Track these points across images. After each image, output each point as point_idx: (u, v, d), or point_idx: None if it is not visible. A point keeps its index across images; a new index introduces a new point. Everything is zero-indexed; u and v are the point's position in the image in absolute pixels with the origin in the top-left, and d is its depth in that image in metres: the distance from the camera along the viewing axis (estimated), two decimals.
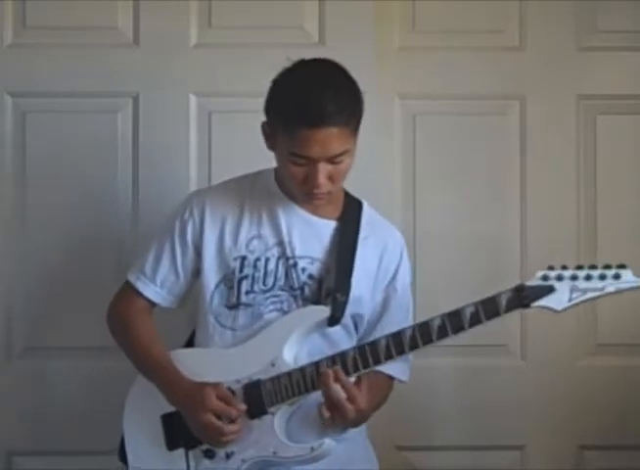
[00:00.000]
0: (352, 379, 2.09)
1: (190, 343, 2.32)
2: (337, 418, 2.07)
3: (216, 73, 2.82)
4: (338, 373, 2.07)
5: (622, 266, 2.00)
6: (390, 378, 2.26)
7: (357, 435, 2.25)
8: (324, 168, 2.11)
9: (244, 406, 2.12)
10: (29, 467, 2.83)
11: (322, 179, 2.11)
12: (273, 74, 2.70)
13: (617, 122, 2.87)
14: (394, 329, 2.13)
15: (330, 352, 2.14)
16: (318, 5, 2.83)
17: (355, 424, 2.13)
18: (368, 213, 2.30)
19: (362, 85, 2.76)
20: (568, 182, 2.86)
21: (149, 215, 2.77)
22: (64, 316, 2.80)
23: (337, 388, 2.06)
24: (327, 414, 2.07)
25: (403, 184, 2.85)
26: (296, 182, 2.15)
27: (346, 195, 2.31)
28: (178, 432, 2.18)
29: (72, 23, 2.81)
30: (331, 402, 2.06)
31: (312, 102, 2.07)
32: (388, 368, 2.21)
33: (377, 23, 2.83)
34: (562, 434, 2.85)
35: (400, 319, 2.22)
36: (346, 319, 2.20)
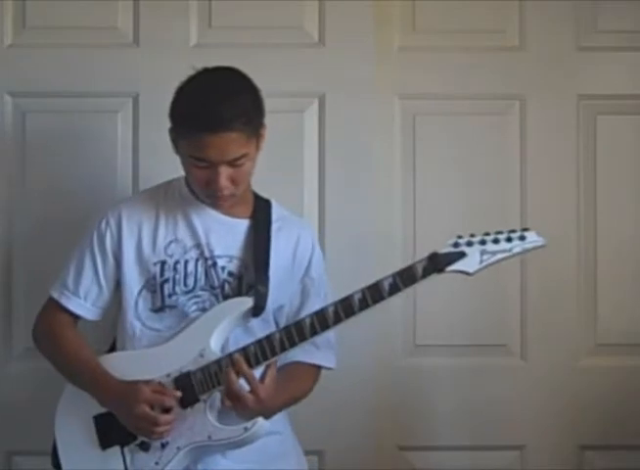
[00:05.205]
0: (259, 370, 2.15)
1: (112, 350, 2.36)
2: (238, 407, 2.12)
3: None
4: (239, 366, 2.13)
5: (526, 229, 2.14)
6: (316, 367, 2.32)
7: (286, 430, 2.33)
8: (225, 171, 2.18)
9: (179, 393, 2.17)
10: (29, 467, 2.82)
11: (223, 182, 2.18)
12: (273, 74, 2.71)
13: (616, 122, 2.87)
14: None
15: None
16: (318, 5, 2.83)
17: (261, 412, 2.14)
18: (277, 211, 2.36)
19: (362, 85, 2.81)
20: (568, 182, 2.86)
21: None
22: None
23: (239, 380, 2.12)
24: (228, 403, 2.13)
25: (403, 184, 2.85)
26: (199, 185, 2.23)
27: (255, 195, 2.37)
28: (111, 430, 2.22)
29: (72, 23, 2.81)
30: (231, 393, 2.12)
31: (208, 108, 2.14)
32: (313, 357, 2.30)
33: (377, 23, 2.82)
34: (562, 434, 2.84)
35: (320, 306, 2.23)
36: (267, 313, 2.26)
